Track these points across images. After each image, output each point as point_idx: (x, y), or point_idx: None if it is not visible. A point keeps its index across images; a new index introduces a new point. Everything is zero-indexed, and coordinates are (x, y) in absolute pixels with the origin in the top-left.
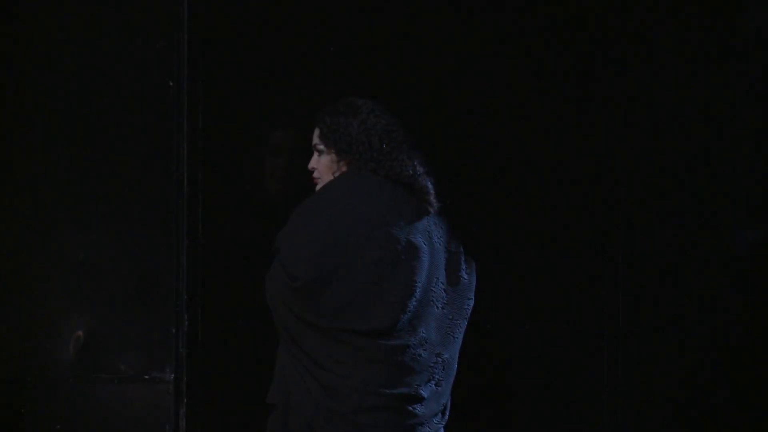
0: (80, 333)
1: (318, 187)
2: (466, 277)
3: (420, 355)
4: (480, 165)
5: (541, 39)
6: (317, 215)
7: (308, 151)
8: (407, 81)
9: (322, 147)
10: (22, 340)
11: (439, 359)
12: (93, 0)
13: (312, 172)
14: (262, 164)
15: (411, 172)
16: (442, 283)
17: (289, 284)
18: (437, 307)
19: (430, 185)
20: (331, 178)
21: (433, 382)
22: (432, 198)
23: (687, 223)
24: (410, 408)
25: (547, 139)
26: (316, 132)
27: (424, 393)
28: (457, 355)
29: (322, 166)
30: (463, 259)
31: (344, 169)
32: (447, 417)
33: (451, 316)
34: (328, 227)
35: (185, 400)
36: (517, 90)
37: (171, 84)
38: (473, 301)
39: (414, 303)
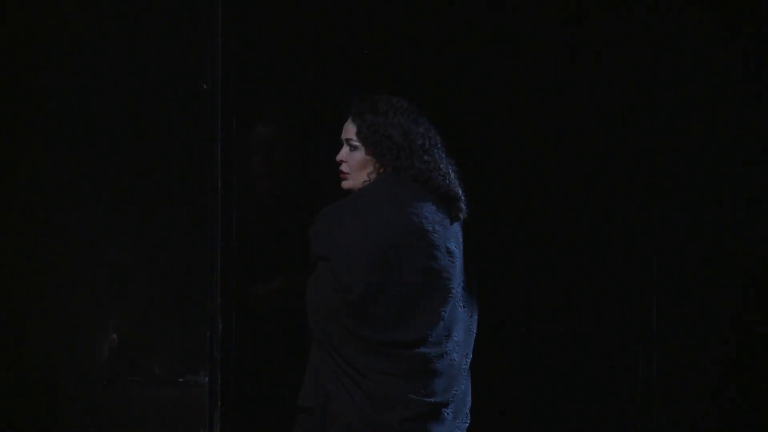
0: (115, 336)
1: (346, 182)
2: (471, 272)
3: (454, 359)
4: (513, 167)
5: (572, 39)
6: (365, 222)
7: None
8: (440, 82)
9: (357, 144)
10: (58, 343)
11: (467, 359)
12: (127, 4)
13: (338, 164)
14: (296, 166)
15: (447, 181)
16: (462, 283)
17: (343, 296)
18: (461, 308)
19: (461, 192)
20: (363, 175)
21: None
22: (463, 205)
23: (722, 226)
24: (447, 413)
25: (583, 142)
26: (353, 128)
27: (459, 396)
28: None
29: (355, 162)
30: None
31: (380, 169)
32: (469, 418)
33: (470, 314)
34: (378, 236)
35: (219, 403)
36: (548, 91)
37: (205, 87)
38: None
39: (449, 309)
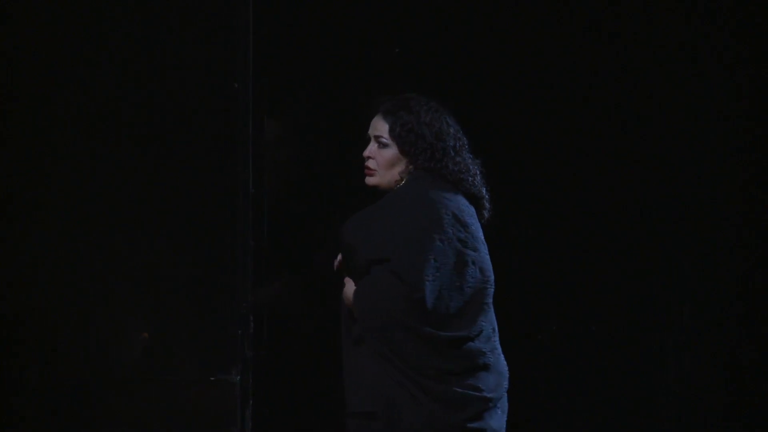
0: (146, 335)
1: (371, 179)
2: None
3: (500, 353)
4: (545, 166)
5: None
6: (418, 219)
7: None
8: (468, 83)
9: (388, 141)
10: (90, 342)
11: (501, 355)
12: (158, 3)
13: (363, 160)
14: (327, 165)
15: (476, 182)
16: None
17: (408, 295)
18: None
19: (485, 192)
20: (392, 174)
21: None
22: (488, 204)
23: (753, 225)
24: (498, 409)
25: (618, 143)
26: (384, 126)
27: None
28: None
29: (383, 160)
30: None
31: (409, 167)
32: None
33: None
34: (434, 231)
35: (251, 402)
36: (579, 90)
37: (236, 86)
38: None
39: (491, 302)
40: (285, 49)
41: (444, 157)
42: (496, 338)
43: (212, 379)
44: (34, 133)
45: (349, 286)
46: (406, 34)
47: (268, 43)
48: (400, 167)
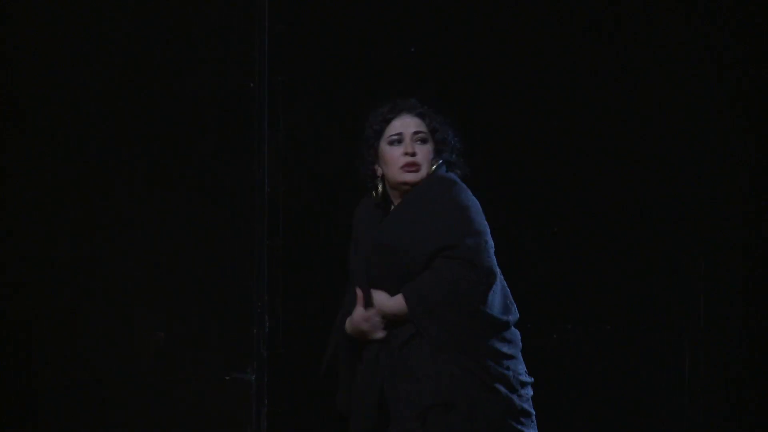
0: (162, 334)
1: (417, 174)
2: None
3: None
4: (568, 163)
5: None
6: (466, 205)
7: None
8: (492, 80)
9: (428, 136)
10: (105, 341)
11: None
12: (174, 3)
13: (406, 156)
14: (341, 164)
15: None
16: None
17: (481, 279)
18: None
19: None
20: (430, 168)
21: None
22: None
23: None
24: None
25: (634, 140)
26: (420, 122)
27: None
28: None
29: (425, 154)
30: None
31: (432, 164)
32: None
33: None
34: (479, 218)
35: (266, 401)
36: (605, 90)
37: (251, 85)
38: None
39: None
40: (300, 49)
41: (459, 157)
42: None
43: (227, 377)
44: (50, 132)
45: (382, 296)
46: (422, 34)
47: (283, 43)
48: (433, 163)
